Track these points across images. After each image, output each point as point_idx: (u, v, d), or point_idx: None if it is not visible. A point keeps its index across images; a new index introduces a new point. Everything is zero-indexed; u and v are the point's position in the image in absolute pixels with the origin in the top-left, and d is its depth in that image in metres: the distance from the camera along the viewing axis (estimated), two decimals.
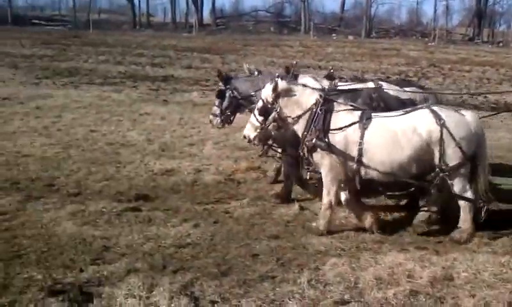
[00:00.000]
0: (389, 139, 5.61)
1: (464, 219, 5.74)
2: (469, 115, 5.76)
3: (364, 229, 5.95)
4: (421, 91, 7.32)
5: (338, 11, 58.49)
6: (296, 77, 7.04)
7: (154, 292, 4.33)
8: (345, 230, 5.98)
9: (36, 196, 6.78)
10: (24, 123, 11.18)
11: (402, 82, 7.80)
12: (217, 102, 7.23)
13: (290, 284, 4.59)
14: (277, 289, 4.50)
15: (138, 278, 4.55)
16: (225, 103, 7.12)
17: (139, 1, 56.97)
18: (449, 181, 5.63)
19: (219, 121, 7.25)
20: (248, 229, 5.95)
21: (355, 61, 26.68)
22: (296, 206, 6.70)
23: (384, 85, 7.02)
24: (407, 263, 4.93)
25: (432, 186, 5.67)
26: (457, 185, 5.64)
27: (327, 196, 5.91)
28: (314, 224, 6.03)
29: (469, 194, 5.65)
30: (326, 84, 7.09)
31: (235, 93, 7.04)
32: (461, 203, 5.73)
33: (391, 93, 6.71)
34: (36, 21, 51.41)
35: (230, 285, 4.54)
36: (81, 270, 4.78)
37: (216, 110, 7.24)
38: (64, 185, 7.34)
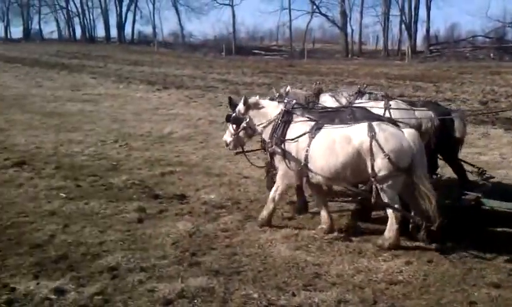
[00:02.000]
0: (328, 147, 6.25)
1: (390, 228, 6.12)
2: (407, 131, 6.12)
3: None
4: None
5: None
6: (318, 95, 8.31)
7: None
8: None
9: (255, 216, 7.20)
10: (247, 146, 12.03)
11: (428, 104, 8.01)
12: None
13: None
14: None
15: None
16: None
17: (352, 30, 57.74)
18: (380, 190, 5.99)
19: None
20: (465, 273, 5.52)
21: None
22: None
23: (393, 104, 7.50)
24: None
25: (369, 194, 6.16)
26: (386, 194, 6.00)
27: (274, 192, 6.80)
28: (258, 217, 6.91)
29: (397, 205, 6.01)
30: (343, 101, 8.01)
31: None
32: (389, 212, 6.11)
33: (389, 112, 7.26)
34: (256, 51, 55.45)
35: None
36: (293, 295, 4.94)
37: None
38: (280, 208, 7.68)
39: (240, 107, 7.04)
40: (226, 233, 6.60)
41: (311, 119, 6.64)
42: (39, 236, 6.30)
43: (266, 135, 6.88)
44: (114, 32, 71.01)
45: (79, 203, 7.70)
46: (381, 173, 5.91)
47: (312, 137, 6.37)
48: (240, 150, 7.43)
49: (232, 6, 62.48)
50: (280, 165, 6.70)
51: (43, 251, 5.86)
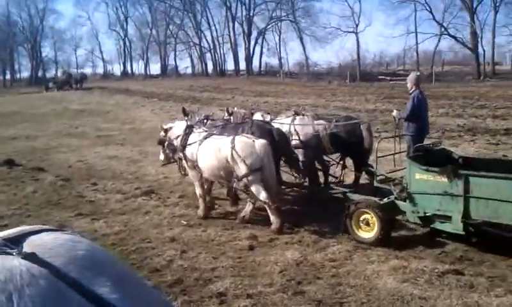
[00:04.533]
0: (207, 153, 8.45)
1: (271, 214, 8.04)
2: (257, 142, 8.09)
3: None
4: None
5: None
6: (252, 114, 11.04)
7: None
8: None
9: (364, 247, 7.19)
10: None
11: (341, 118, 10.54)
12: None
13: None
14: None
15: None
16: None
17: (484, 51, 54.48)
18: (249, 185, 8.10)
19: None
20: None
21: None
22: None
23: (297, 119, 10.12)
24: None
25: (235, 188, 8.74)
26: (253, 188, 8.04)
27: (197, 190, 9.07)
28: (197, 213, 9.03)
29: (262, 195, 7.94)
30: (268, 118, 10.65)
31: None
32: (262, 202, 8.13)
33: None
34: (382, 77, 54.54)
35: None
36: None
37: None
38: (391, 239, 7.53)
39: (161, 133, 9.76)
40: (334, 263, 6.65)
41: (204, 131, 8.96)
42: (159, 262, 6.83)
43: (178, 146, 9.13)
44: (243, 65, 74.03)
45: (197, 230, 8.23)
46: (241, 172, 7.98)
47: (199, 144, 8.60)
48: (167, 162, 10.16)
49: (356, 33, 62.39)
50: (186, 166, 9.08)
51: (161, 275, 6.35)
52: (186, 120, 9.73)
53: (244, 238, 7.67)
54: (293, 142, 9.62)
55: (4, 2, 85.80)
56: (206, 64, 79.00)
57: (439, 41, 57.73)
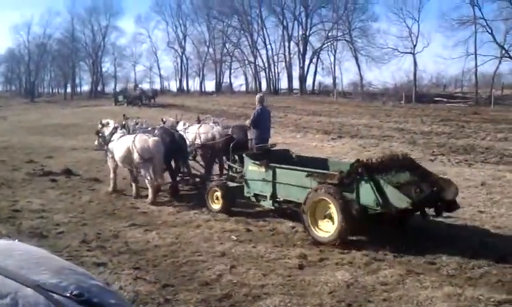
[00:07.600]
0: (119, 147, 11.86)
1: (149, 192, 11.45)
2: (150, 139, 11.45)
3: None
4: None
5: None
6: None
7: None
8: None
9: (417, 272, 7.00)
10: None
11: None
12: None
13: None
14: None
15: None
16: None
17: None
18: (141, 169, 11.47)
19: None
20: None
21: None
22: None
23: (202, 125, 14.20)
24: None
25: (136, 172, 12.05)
26: (143, 171, 11.45)
27: (111, 174, 12.65)
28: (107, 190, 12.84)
29: (148, 177, 11.35)
30: (183, 126, 14.46)
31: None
32: (146, 181, 11.51)
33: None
34: (438, 98, 53.28)
35: None
36: None
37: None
38: (445, 265, 7.34)
39: (99, 125, 13.18)
40: (385, 286, 6.49)
41: (123, 132, 12.36)
42: (209, 275, 6.88)
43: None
44: (296, 84, 74.08)
45: (247, 245, 8.24)
46: (136, 161, 11.35)
47: (116, 141, 12.03)
48: (99, 148, 13.57)
49: (414, 54, 61.36)
50: (108, 158, 12.60)
51: (211, 289, 6.37)
52: (114, 122, 13.05)
53: (294, 257, 7.62)
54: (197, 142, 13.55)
55: (70, 19, 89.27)
56: (260, 83, 79.52)
57: (499, 63, 55.82)
